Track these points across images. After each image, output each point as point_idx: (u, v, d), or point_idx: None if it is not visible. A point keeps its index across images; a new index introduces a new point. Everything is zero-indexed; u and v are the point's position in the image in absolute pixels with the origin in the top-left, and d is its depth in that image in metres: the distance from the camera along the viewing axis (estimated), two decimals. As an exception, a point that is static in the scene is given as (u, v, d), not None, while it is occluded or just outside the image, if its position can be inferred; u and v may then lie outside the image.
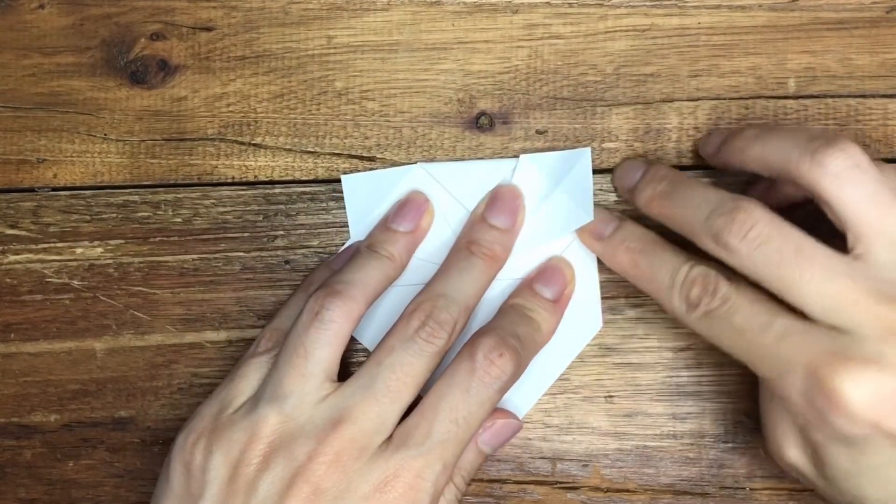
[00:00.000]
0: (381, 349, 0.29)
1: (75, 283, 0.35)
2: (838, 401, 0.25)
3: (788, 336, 0.26)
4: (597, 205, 0.33)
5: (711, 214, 0.27)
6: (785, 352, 0.26)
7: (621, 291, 0.34)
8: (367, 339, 0.34)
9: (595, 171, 0.33)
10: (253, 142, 0.34)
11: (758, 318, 0.27)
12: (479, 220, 0.32)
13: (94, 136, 0.35)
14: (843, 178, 0.26)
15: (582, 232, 0.32)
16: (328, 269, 0.33)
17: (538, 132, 0.34)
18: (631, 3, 0.34)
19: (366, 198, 0.33)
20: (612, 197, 0.34)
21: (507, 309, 0.31)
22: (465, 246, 0.32)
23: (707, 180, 0.34)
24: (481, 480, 0.34)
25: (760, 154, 0.29)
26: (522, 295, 0.32)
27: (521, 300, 0.32)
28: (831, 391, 0.25)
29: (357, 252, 0.32)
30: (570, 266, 0.33)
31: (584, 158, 0.33)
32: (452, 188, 0.33)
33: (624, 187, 0.32)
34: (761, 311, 0.27)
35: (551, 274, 0.33)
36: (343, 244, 0.34)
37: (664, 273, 0.29)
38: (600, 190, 0.34)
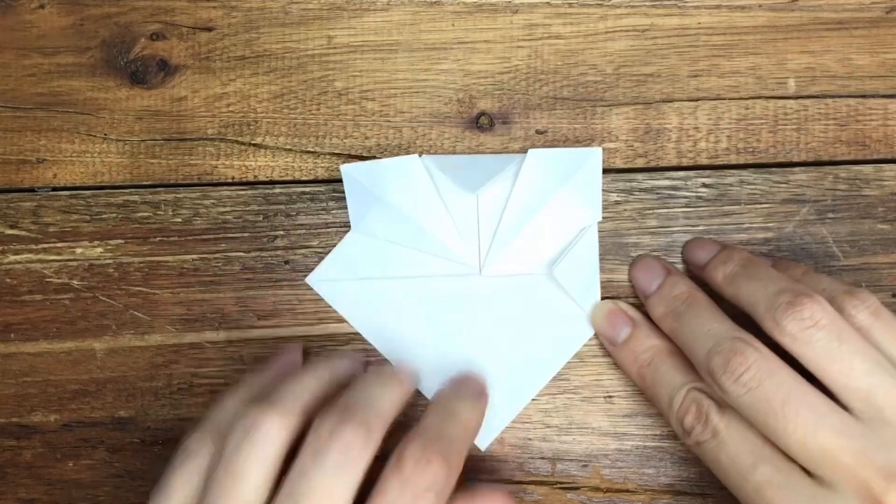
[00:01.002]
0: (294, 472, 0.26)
1: (75, 283, 0.35)
2: None
3: (767, 488, 0.26)
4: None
5: (710, 352, 0.28)
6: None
7: (621, 291, 0.34)
8: (370, 335, 0.34)
9: (595, 171, 0.33)
10: (253, 142, 0.34)
11: (742, 461, 0.27)
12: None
13: (94, 136, 0.35)
14: (799, 339, 0.27)
15: (599, 333, 0.33)
16: (264, 372, 0.31)
17: (538, 132, 0.34)
18: (631, 3, 0.34)
19: (366, 188, 0.33)
20: (614, 197, 0.34)
21: (434, 408, 0.29)
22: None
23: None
24: (481, 480, 0.34)
25: (734, 295, 0.30)
26: (447, 390, 0.31)
27: (446, 394, 0.31)
28: None
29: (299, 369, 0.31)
30: (483, 379, 0.33)
31: (594, 158, 0.33)
32: (455, 176, 0.33)
33: (642, 290, 0.33)
34: (747, 452, 0.27)
35: (468, 378, 0.32)
36: (343, 244, 0.34)
37: (664, 393, 0.30)
38: (603, 191, 0.34)
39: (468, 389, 0.31)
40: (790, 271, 0.31)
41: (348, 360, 0.32)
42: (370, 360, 0.34)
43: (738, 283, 0.30)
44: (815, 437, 0.26)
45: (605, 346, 0.33)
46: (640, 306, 0.33)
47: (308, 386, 0.29)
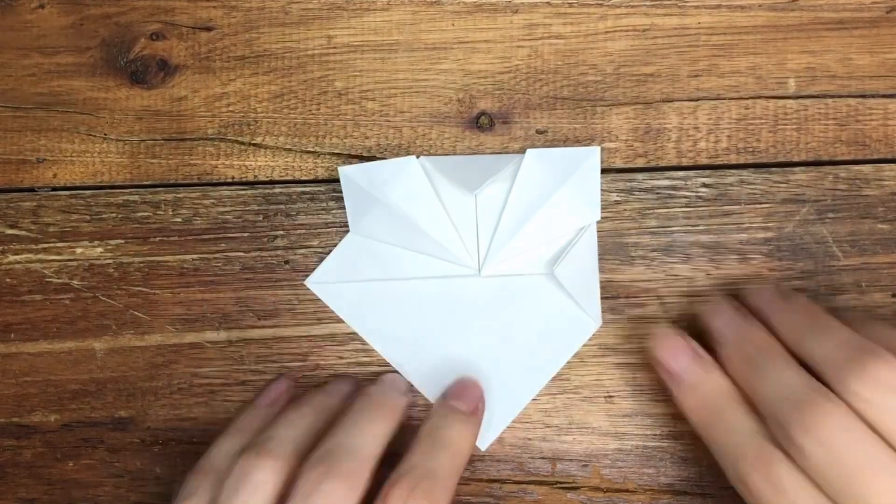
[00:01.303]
0: None
1: (75, 283, 0.35)
2: None
3: None
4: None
5: (785, 401, 0.26)
6: None
7: (621, 291, 0.34)
8: (369, 336, 0.34)
9: (595, 171, 0.33)
10: (253, 142, 0.34)
11: None
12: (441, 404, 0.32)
13: (94, 135, 0.35)
14: (870, 401, 0.25)
15: (658, 364, 0.31)
16: (255, 409, 0.32)
17: (538, 132, 0.34)
18: (631, 3, 0.34)
19: (364, 190, 0.33)
20: (614, 197, 0.34)
21: (423, 438, 0.30)
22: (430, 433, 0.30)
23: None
24: (481, 480, 0.34)
25: (802, 353, 0.28)
26: (437, 414, 0.31)
27: (436, 419, 0.31)
28: None
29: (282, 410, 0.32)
30: (479, 385, 0.33)
31: (592, 157, 0.33)
32: (454, 177, 0.33)
33: (717, 336, 0.30)
34: None
35: (464, 389, 0.32)
36: (341, 246, 0.34)
37: (729, 440, 0.28)
38: (602, 191, 0.34)
39: (460, 407, 0.31)
40: (854, 323, 0.28)
41: (339, 389, 0.32)
42: (362, 382, 0.34)
43: (805, 336, 0.28)
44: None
45: (664, 380, 0.30)
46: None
47: (298, 426, 0.30)
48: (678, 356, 0.30)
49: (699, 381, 0.29)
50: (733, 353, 0.29)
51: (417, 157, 0.33)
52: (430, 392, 0.34)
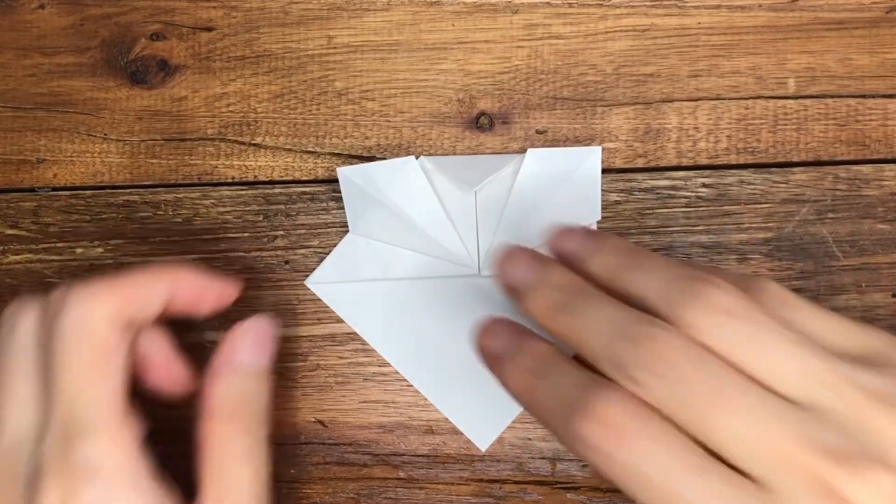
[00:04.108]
0: None
1: (75, 283, 0.35)
2: None
3: (709, 502, 0.21)
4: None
5: (614, 340, 0.23)
6: None
7: (621, 291, 0.34)
8: (370, 336, 0.34)
9: (595, 171, 0.33)
10: (253, 142, 0.34)
11: (674, 473, 0.22)
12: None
13: (94, 136, 0.35)
14: (707, 330, 0.23)
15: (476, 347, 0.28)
16: None
17: (538, 132, 0.34)
18: (631, 3, 0.34)
19: (363, 190, 0.33)
20: (614, 197, 0.34)
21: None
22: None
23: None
24: (481, 480, 0.34)
25: (623, 289, 0.25)
26: (225, 374, 0.30)
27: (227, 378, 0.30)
28: None
29: None
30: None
31: (593, 157, 0.33)
32: (453, 177, 0.33)
33: (514, 286, 0.27)
34: (676, 460, 0.22)
35: (248, 338, 0.30)
36: (341, 246, 0.34)
37: (556, 403, 0.24)
38: (602, 191, 0.34)
39: (248, 355, 0.30)
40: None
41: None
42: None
43: (626, 274, 0.25)
44: (753, 426, 0.22)
45: (488, 367, 0.27)
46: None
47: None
48: (494, 332, 0.27)
49: (520, 350, 0.26)
50: (541, 302, 0.26)
51: (417, 157, 0.33)
52: (430, 392, 0.34)
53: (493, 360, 0.27)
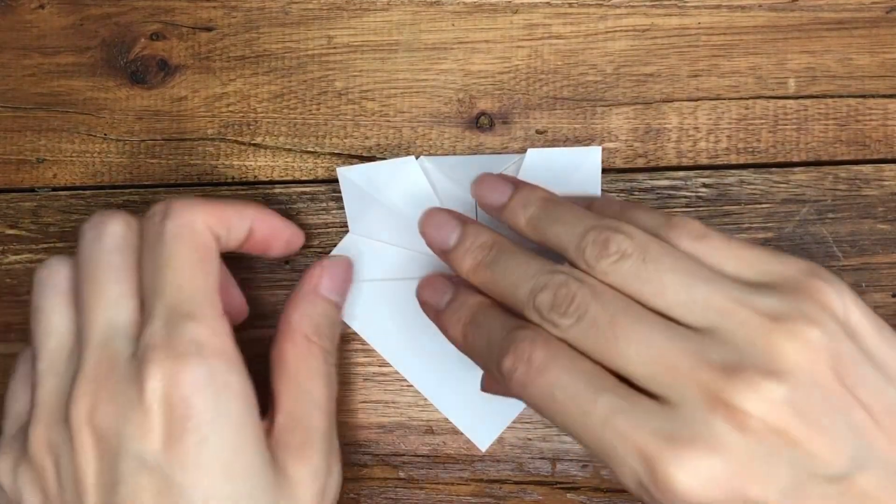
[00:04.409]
0: None
1: (75, 283, 0.35)
2: (672, 490, 0.23)
3: (615, 417, 0.24)
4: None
5: (532, 290, 0.26)
6: (611, 437, 0.24)
7: (621, 291, 0.34)
8: (370, 337, 0.34)
9: (595, 171, 0.33)
10: (253, 142, 0.34)
11: (581, 394, 0.25)
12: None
13: (94, 136, 0.35)
14: (611, 274, 0.26)
15: (423, 304, 0.31)
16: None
17: (538, 132, 0.34)
18: (631, 3, 0.34)
19: (363, 190, 0.33)
20: (614, 197, 0.34)
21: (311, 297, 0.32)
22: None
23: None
24: (481, 480, 0.34)
25: (541, 240, 0.28)
26: (308, 299, 0.32)
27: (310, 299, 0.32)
28: (664, 480, 0.23)
29: None
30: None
31: (593, 157, 0.33)
32: (452, 180, 0.33)
33: (440, 247, 0.30)
34: (584, 383, 0.25)
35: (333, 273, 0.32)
36: (341, 246, 0.34)
37: (484, 344, 0.27)
38: (602, 191, 0.34)
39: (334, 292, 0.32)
40: (609, 209, 0.29)
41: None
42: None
43: (542, 226, 0.28)
44: (651, 349, 0.24)
45: (430, 318, 0.30)
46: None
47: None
48: (436, 288, 0.30)
49: (452, 304, 0.29)
50: (465, 260, 0.29)
51: (417, 157, 0.33)
52: (431, 391, 0.34)
53: (432, 312, 0.30)
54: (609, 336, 0.25)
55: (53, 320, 0.29)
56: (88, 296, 0.28)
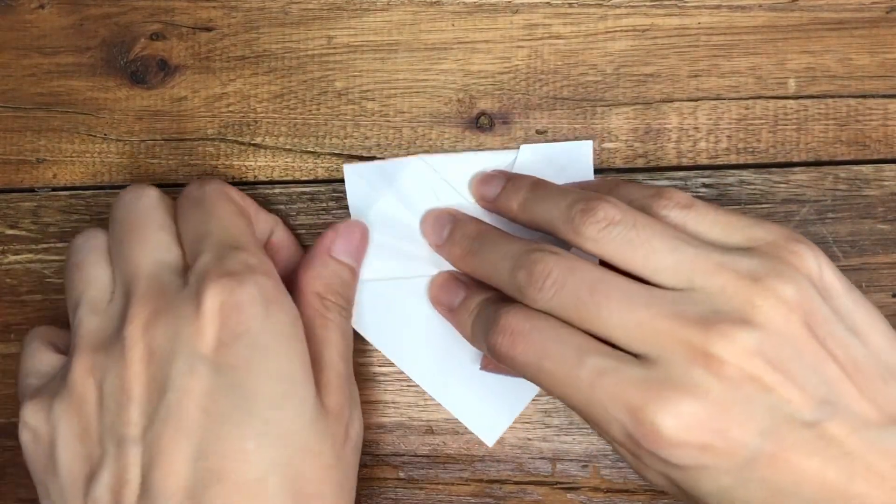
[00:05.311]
0: None
1: (75, 283, 0.35)
2: (658, 434, 0.24)
3: (602, 378, 0.25)
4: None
5: (512, 271, 0.28)
6: (600, 396, 0.25)
7: (621, 291, 0.34)
8: (373, 336, 0.34)
9: (595, 171, 0.33)
10: (253, 142, 0.34)
11: (567, 359, 0.26)
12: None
13: (94, 136, 0.35)
14: (599, 240, 0.27)
15: (435, 304, 0.33)
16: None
17: (538, 132, 0.34)
18: (631, 3, 0.34)
19: (367, 188, 0.33)
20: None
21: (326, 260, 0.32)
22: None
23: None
24: (481, 480, 0.34)
25: (531, 219, 0.30)
26: (322, 259, 0.32)
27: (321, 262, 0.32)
28: (650, 427, 0.25)
29: None
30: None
31: (585, 150, 0.33)
32: (452, 179, 0.33)
33: (434, 243, 0.33)
34: (570, 348, 0.26)
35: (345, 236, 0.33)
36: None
37: (480, 331, 0.29)
38: (600, 190, 0.34)
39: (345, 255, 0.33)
40: (599, 187, 0.31)
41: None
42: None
43: (532, 206, 0.30)
44: (630, 314, 0.26)
45: (445, 317, 0.33)
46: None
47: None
48: (449, 289, 0.32)
49: (465, 302, 0.31)
50: (455, 251, 0.31)
51: (417, 157, 0.34)
52: (436, 390, 0.34)
53: (444, 310, 0.33)
54: (590, 304, 0.26)
55: (94, 272, 0.30)
56: (132, 245, 0.29)
